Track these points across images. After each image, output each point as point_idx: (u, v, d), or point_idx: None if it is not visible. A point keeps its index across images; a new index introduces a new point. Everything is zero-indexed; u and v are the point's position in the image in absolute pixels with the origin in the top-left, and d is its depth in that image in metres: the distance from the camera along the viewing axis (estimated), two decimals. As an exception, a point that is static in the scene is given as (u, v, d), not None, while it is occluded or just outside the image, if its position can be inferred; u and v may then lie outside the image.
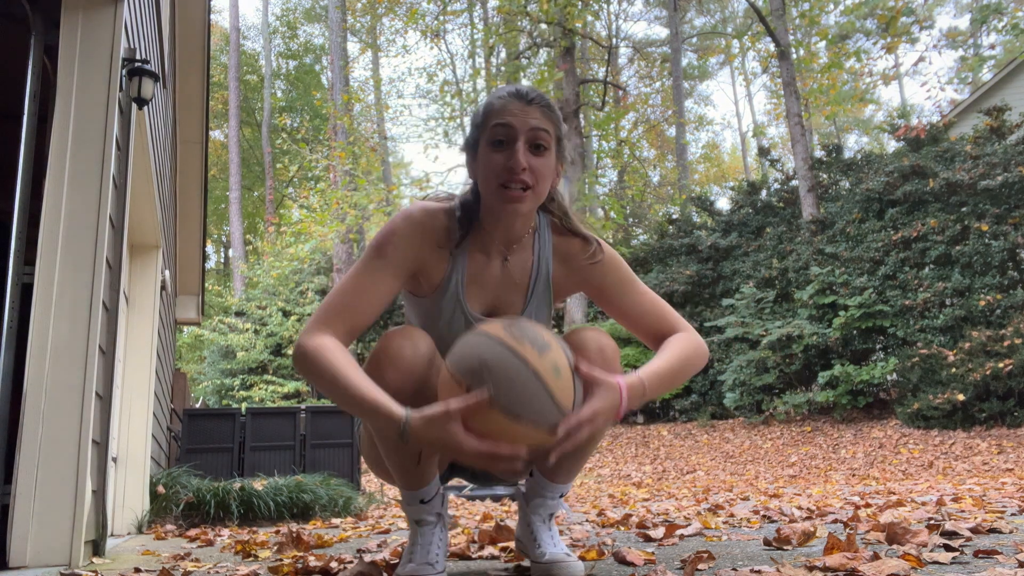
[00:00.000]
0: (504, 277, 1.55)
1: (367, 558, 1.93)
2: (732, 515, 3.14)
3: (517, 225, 1.51)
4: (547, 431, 1.21)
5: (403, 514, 4.97)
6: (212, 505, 4.67)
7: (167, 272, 5.46)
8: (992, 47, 21.04)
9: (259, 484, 4.93)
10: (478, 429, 1.20)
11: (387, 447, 1.45)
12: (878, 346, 11.50)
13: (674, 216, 16.84)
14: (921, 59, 26.92)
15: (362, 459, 7.58)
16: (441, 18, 19.19)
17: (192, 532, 3.87)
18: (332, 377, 1.31)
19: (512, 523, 2.90)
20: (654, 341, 1.58)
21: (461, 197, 1.54)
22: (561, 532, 2.52)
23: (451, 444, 1.20)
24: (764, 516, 2.94)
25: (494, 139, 1.43)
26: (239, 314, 17.90)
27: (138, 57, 2.94)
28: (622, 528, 2.77)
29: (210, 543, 3.18)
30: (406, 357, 1.39)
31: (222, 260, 31.48)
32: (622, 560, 1.70)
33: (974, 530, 1.94)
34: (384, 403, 1.26)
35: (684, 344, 1.53)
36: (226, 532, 3.84)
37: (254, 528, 4.29)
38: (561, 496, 1.63)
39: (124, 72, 2.78)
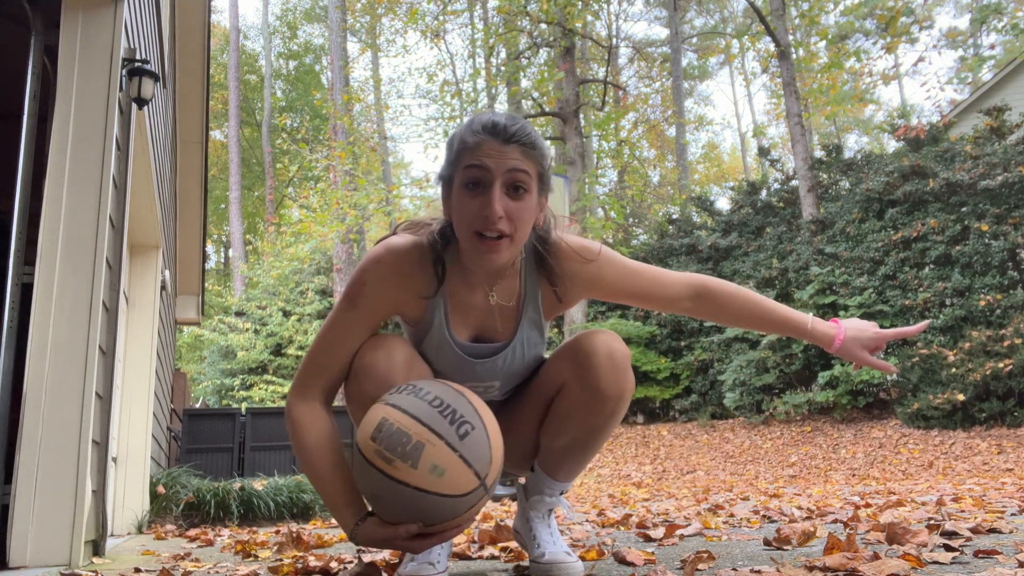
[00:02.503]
0: (489, 306, 1.49)
1: (367, 558, 1.92)
2: (732, 515, 3.14)
3: (496, 269, 1.44)
4: (463, 517, 1.27)
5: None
6: (212, 505, 4.67)
7: (167, 272, 5.46)
8: (992, 47, 21.04)
9: (259, 484, 4.93)
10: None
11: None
12: (878, 346, 11.49)
13: (674, 216, 16.84)
14: (921, 59, 26.93)
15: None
16: (441, 18, 19.19)
17: (192, 532, 3.87)
18: (306, 459, 1.39)
19: (512, 523, 2.90)
20: (688, 303, 1.55)
21: (440, 228, 1.44)
22: (561, 532, 2.52)
23: (399, 546, 1.30)
24: (764, 516, 2.94)
25: (468, 181, 1.31)
26: (239, 314, 17.90)
27: (138, 57, 2.94)
28: (622, 528, 2.77)
29: (210, 543, 3.18)
30: (380, 368, 1.38)
31: (222, 260, 31.47)
32: (622, 560, 1.70)
33: (974, 530, 1.94)
34: (340, 507, 1.35)
35: (733, 287, 1.59)
36: (226, 532, 3.84)
37: (254, 528, 4.29)
38: (561, 493, 1.62)
39: (124, 72, 2.78)
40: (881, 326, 11.27)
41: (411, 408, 1.25)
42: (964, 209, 11.11)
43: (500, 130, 1.30)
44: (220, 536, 3.55)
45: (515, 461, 1.61)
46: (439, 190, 1.44)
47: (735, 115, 37.61)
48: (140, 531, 4.30)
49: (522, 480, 1.66)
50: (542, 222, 1.47)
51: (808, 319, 1.59)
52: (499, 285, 1.48)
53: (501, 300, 1.49)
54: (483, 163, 1.30)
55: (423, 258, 1.43)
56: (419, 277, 1.43)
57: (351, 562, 1.90)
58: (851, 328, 1.56)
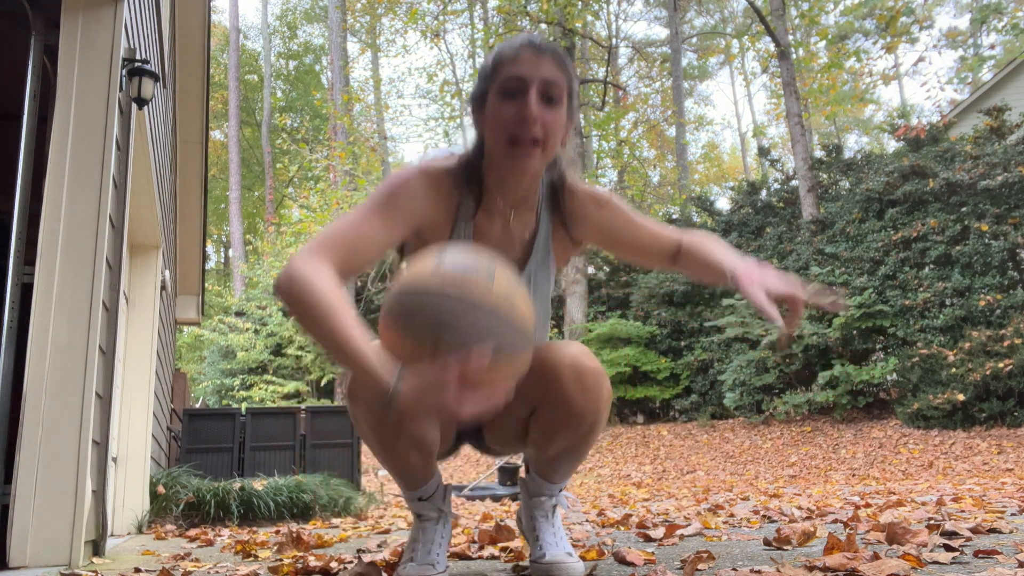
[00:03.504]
0: (505, 236, 1.50)
1: (367, 558, 1.93)
2: (732, 515, 3.14)
3: (524, 184, 1.44)
4: (524, 358, 1.19)
5: (403, 514, 4.97)
6: (212, 505, 4.67)
7: (167, 272, 5.46)
8: (992, 47, 21.04)
9: (259, 484, 4.93)
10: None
11: (379, 446, 1.42)
12: (878, 346, 11.50)
13: (674, 216, 16.84)
14: (921, 59, 26.94)
15: (363, 457, 7.59)
16: (441, 18, 19.20)
17: (192, 532, 3.87)
18: (321, 315, 1.16)
19: (512, 523, 2.90)
20: (671, 257, 1.57)
21: (463, 156, 1.47)
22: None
23: (444, 405, 1.12)
24: (764, 516, 2.94)
25: (505, 89, 1.34)
26: (239, 314, 17.90)
27: (138, 57, 2.94)
28: (622, 528, 2.77)
29: (210, 543, 3.18)
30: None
31: (222, 260, 31.47)
32: (622, 560, 1.70)
33: (974, 530, 1.94)
34: (372, 365, 1.14)
35: (708, 237, 1.57)
36: (226, 532, 3.84)
37: (254, 528, 4.29)
38: (560, 491, 1.63)
39: (124, 72, 2.78)
40: (882, 326, 11.22)
41: (461, 254, 1.21)
42: (964, 209, 11.11)
43: (535, 44, 1.37)
44: (220, 536, 3.55)
45: (505, 442, 1.61)
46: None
47: (735, 115, 37.62)
48: (140, 531, 4.30)
49: (522, 473, 1.67)
50: (567, 146, 1.48)
51: (730, 268, 1.48)
52: (518, 213, 1.49)
53: (515, 232, 1.49)
54: (520, 71, 1.34)
55: (457, 178, 1.44)
56: (453, 197, 1.44)
57: (351, 562, 1.90)
58: (756, 268, 1.46)
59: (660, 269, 1.64)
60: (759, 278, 1.42)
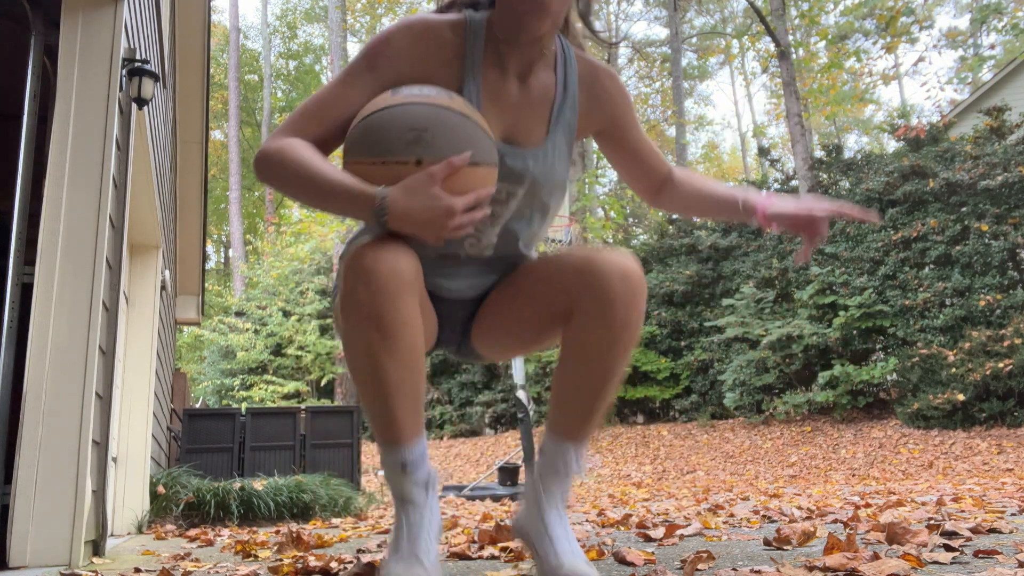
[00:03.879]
0: (523, 98, 1.35)
1: (367, 558, 1.93)
2: (732, 515, 3.14)
3: (534, 38, 1.30)
4: (494, 166, 1.21)
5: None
6: (212, 505, 4.67)
7: (167, 272, 5.46)
8: (992, 47, 21.04)
9: (259, 484, 4.93)
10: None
11: (369, 365, 1.20)
12: (878, 346, 11.50)
13: (674, 216, 16.85)
14: (921, 59, 26.93)
15: (363, 457, 7.59)
16: (441, 18, 19.18)
17: (192, 532, 3.87)
18: (296, 168, 1.19)
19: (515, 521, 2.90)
20: (656, 184, 1.52)
21: (468, 4, 1.36)
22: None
23: (437, 209, 1.13)
24: (764, 516, 2.94)
25: None
26: (239, 314, 17.91)
27: (138, 57, 2.94)
28: (622, 528, 2.77)
29: (210, 543, 3.18)
30: (383, 273, 1.19)
31: (222, 260, 31.47)
32: (622, 560, 1.70)
33: (974, 530, 1.94)
34: (356, 184, 1.15)
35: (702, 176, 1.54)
36: (226, 532, 3.84)
37: (254, 528, 4.29)
38: (578, 462, 1.40)
39: (124, 72, 2.78)
40: (882, 326, 11.21)
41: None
42: (964, 209, 11.11)
43: None
44: (220, 536, 3.56)
45: (496, 340, 1.47)
46: None
47: (735, 115, 37.62)
48: (140, 531, 4.30)
49: (534, 467, 1.46)
50: (576, 18, 1.42)
51: (740, 196, 1.47)
52: (533, 76, 1.36)
53: (534, 94, 1.36)
54: None
55: (458, 32, 1.31)
56: (455, 48, 1.30)
57: (351, 562, 1.90)
58: (768, 196, 1.45)
59: (644, 197, 1.56)
60: (774, 204, 1.40)
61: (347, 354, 1.25)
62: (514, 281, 1.43)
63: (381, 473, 9.64)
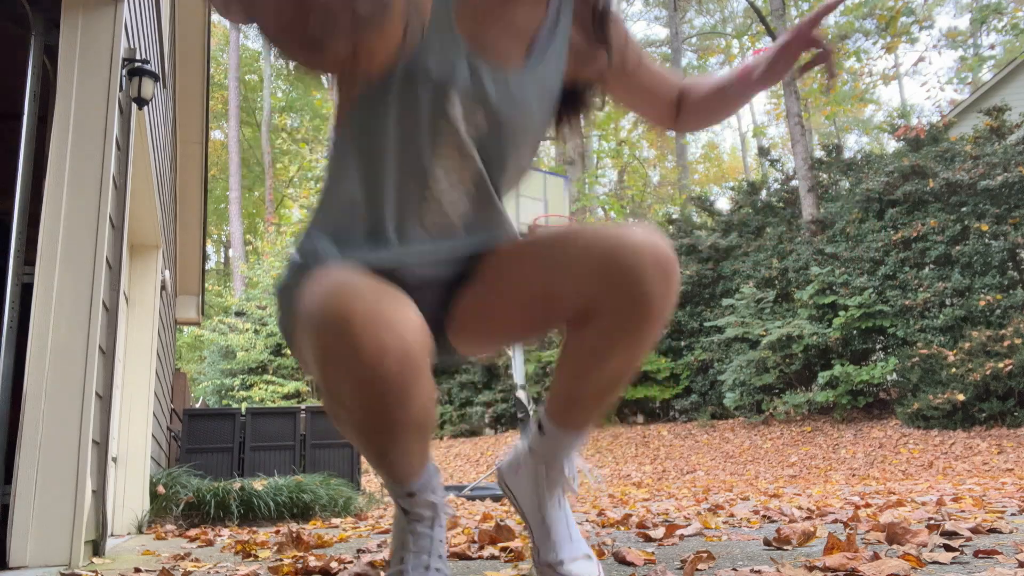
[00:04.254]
0: (503, 9, 1.14)
1: (367, 558, 1.93)
2: (732, 515, 3.14)
3: None
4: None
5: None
6: (212, 505, 4.67)
7: (167, 272, 5.46)
8: (992, 47, 21.04)
9: (259, 484, 4.93)
10: None
11: (358, 431, 1.01)
12: (878, 346, 11.50)
13: (674, 216, 16.84)
14: (921, 59, 26.93)
15: (362, 457, 7.58)
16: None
17: (192, 532, 3.87)
18: None
19: (512, 523, 2.91)
20: (673, 105, 1.34)
21: None
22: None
23: None
24: (764, 516, 2.94)
25: None
26: (239, 314, 17.91)
27: (138, 57, 2.94)
28: (622, 528, 2.77)
29: (210, 543, 3.18)
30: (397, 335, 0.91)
31: (222, 260, 31.48)
32: (622, 560, 1.70)
33: (974, 530, 1.94)
34: None
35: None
36: (226, 532, 3.84)
37: (254, 528, 4.29)
38: (577, 449, 1.26)
39: (124, 72, 2.78)
40: (881, 326, 11.19)
41: None
42: (964, 209, 11.11)
43: None
44: (220, 536, 3.56)
45: (480, 335, 1.22)
46: None
47: (735, 115, 37.62)
48: (140, 531, 4.30)
49: (532, 445, 1.27)
50: None
51: (744, 66, 1.30)
52: None
53: (518, 11, 1.15)
54: None
55: None
56: None
57: (351, 562, 1.90)
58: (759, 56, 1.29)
59: (664, 125, 1.36)
60: (761, 55, 1.25)
61: (331, 408, 1.00)
62: (503, 266, 1.17)
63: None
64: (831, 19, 18.12)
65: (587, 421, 1.18)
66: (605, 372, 1.11)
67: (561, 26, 1.19)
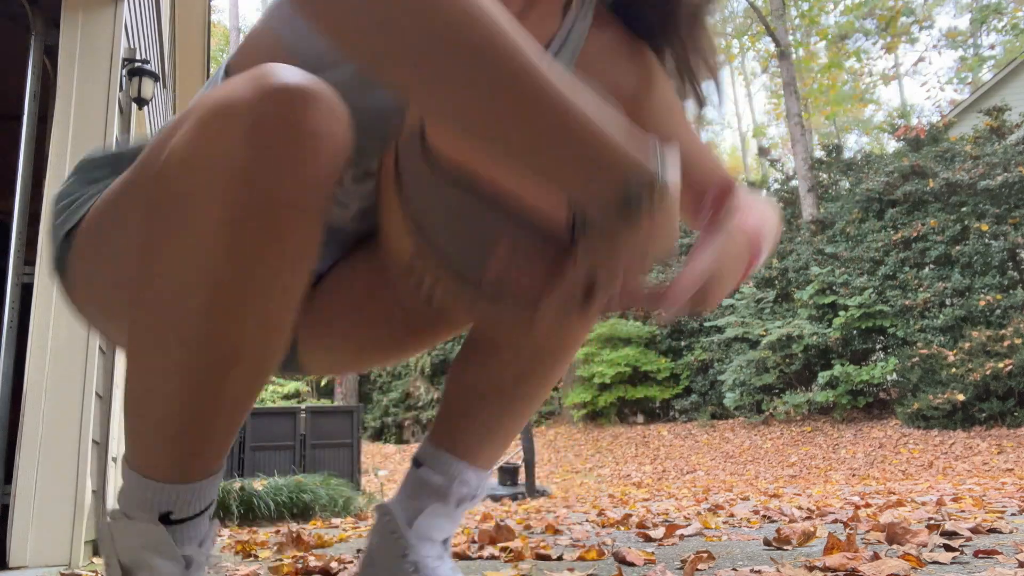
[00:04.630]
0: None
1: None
2: (732, 515, 3.14)
3: None
4: None
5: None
6: (212, 505, 4.68)
7: (167, 272, 5.45)
8: (992, 47, 21.05)
9: (259, 484, 4.94)
10: None
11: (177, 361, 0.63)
12: (878, 346, 11.51)
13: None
14: (921, 59, 27.00)
15: (363, 457, 7.57)
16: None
17: (192, 532, 3.86)
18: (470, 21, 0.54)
19: (512, 524, 2.91)
20: (698, 199, 0.88)
21: None
22: (560, 532, 2.51)
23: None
24: (764, 516, 2.94)
25: None
26: (239, 314, 17.92)
27: (138, 57, 2.94)
28: (622, 528, 2.77)
29: (210, 543, 3.18)
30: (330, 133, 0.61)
31: (222, 260, 31.48)
32: (622, 560, 1.70)
33: (974, 530, 1.94)
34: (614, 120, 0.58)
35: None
36: (226, 532, 3.85)
37: (254, 528, 4.29)
38: (481, 491, 0.96)
39: (124, 72, 2.78)
40: (882, 326, 11.17)
41: None
42: (964, 209, 11.12)
43: None
44: (220, 536, 3.56)
45: (334, 360, 0.98)
46: None
47: (735, 115, 37.66)
48: (140, 531, 4.30)
49: (389, 502, 0.96)
50: None
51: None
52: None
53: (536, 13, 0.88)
54: None
55: None
56: None
57: (351, 562, 1.90)
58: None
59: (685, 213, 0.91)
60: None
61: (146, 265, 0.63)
62: (375, 258, 0.91)
63: (383, 472, 9.63)
64: (831, 19, 18.13)
65: (484, 450, 0.95)
66: (517, 369, 0.92)
67: (572, 39, 0.92)
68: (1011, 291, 10.34)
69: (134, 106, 2.96)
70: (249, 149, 0.58)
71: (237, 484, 4.88)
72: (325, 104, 0.61)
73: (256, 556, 2.40)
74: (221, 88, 0.61)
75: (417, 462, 0.94)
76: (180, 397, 0.64)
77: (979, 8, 16.19)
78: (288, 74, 0.60)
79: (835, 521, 2.60)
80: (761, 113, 33.19)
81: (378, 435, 16.24)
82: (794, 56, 15.24)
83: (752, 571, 1.42)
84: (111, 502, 3.81)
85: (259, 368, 0.67)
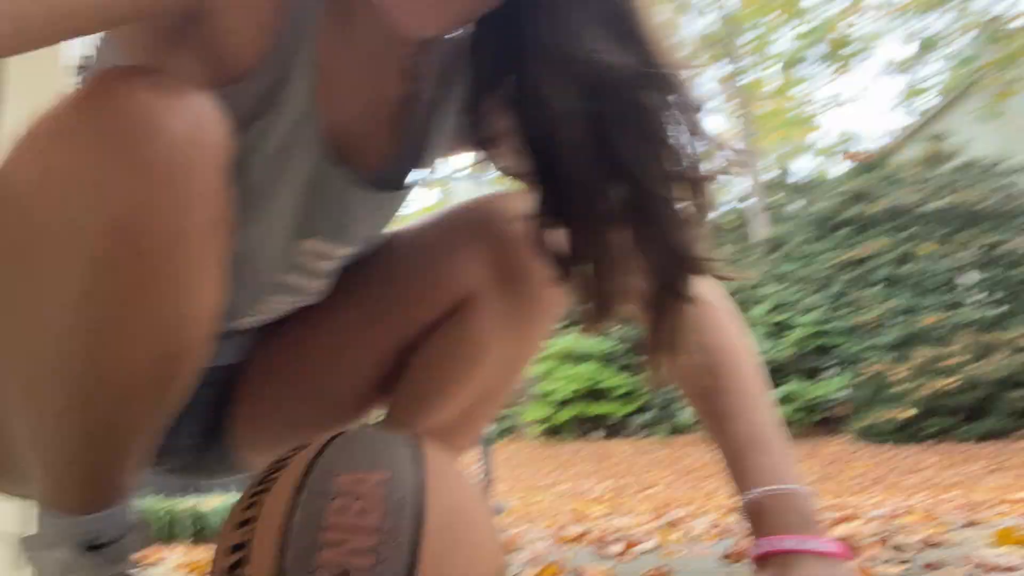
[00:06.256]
0: (377, 85, 0.73)
1: None
2: (690, 530, 3.16)
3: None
4: None
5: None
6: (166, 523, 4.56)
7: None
8: (936, 75, 21.83)
9: (209, 504, 4.82)
10: None
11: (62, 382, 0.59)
12: (830, 363, 11.76)
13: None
14: (865, 87, 27.86)
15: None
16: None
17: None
18: None
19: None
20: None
21: None
22: (519, 549, 2.50)
23: None
24: (721, 531, 2.97)
25: None
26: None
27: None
28: (581, 544, 2.77)
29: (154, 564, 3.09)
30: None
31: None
32: (581, 576, 1.70)
33: (923, 543, 1.98)
34: None
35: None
36: (179, 550, 3.74)
37: (211, 544, 4.18)
38: None
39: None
40: (833, 343, 11.38)
41: None
42: (910, 231, 11.47)
43: None
44: (172, 555, 3.45)
45: (346, 402, 0.90)
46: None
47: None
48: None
49: None
50: None
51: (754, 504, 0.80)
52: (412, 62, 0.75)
53: (393, 68, 0.73)
54: None
55: None
56: None
57: None
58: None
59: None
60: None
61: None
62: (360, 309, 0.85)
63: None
64: (782, 45, 18.63)
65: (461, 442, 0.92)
66: (489, 371, 0.92)
67: (449, 92, 0.80)
68: (956, 310, 10.67)
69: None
70: (99, 169, 0.52)
71: (190, 503, 4.76)
72: (186, 104, 0.55)
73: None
74: (58, 104, 0.55)
75: None
76: (79, 439, 0.61)
77: (924, 39, 16.81)
78: (139, 77, 0.55)
79: (790, 535, 2.62)
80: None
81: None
82: (744, 81, 15.62)
83: (710, 585, 1.43)
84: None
85: (163, 392, 0.63)
